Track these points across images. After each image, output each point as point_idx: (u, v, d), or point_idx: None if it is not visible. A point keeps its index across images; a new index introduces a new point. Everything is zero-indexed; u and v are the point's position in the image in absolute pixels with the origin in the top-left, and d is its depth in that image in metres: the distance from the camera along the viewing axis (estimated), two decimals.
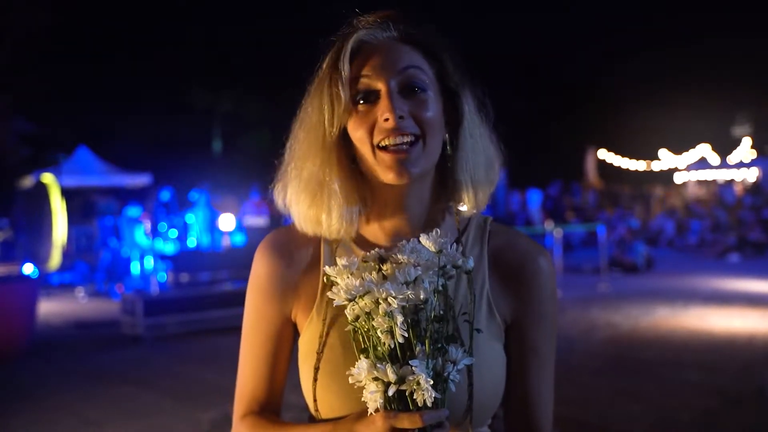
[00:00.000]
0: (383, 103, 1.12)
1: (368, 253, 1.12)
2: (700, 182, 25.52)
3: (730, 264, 15.20)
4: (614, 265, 13.55)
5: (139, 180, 18.10)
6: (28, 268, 8.13)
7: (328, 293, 1.09)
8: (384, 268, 1.08)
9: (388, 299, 1.01)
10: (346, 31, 1.18)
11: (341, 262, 1.08)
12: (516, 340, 1.21)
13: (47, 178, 11.02)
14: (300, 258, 1.25)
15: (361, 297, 1.04)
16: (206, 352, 7.42)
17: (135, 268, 11.96)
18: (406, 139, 1.12)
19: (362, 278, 1.05)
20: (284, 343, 1.25)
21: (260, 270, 1.25)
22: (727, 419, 4.98)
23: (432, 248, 1.06)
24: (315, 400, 1.16)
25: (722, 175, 24.81)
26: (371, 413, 1.03)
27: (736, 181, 23.83)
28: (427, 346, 1.02)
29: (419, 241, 1.08)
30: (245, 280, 1.30)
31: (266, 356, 1.25)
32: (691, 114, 26.98)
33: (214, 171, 21.38)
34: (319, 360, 1.16)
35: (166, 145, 23.14)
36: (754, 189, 21.99)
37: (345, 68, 1.14)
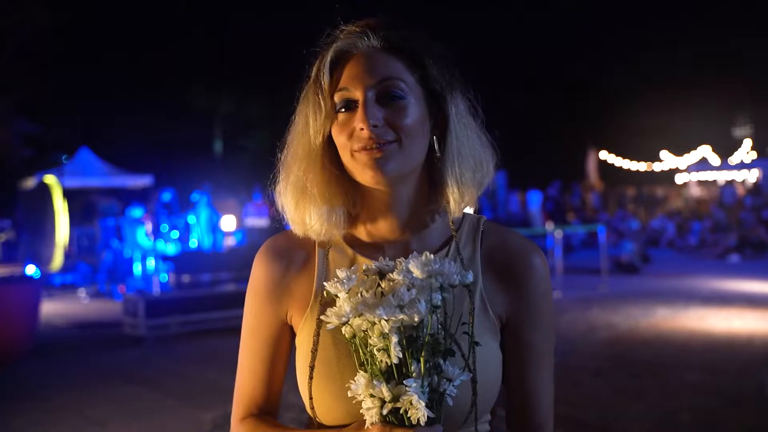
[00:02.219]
0: (359, 113, 1.15)
1: (369, 267, 1.14)
2: (701, 183, 25.56)
3: (730, 265, 15.21)
4: (614, 267, 13.57)
5: (141, 181, 18.14)
6: (31, 269, 8.17)
7: (322, 317, 1.11)
8: (382, 285, 1.08)
9: (381, 323, 1.02)
10: (327, 41, 1.21)
11: (340, 274, 1.10)
12: (512, 338, 1.23)
13: (49, 179, 11.04)
14: (296, 261, 1.28)
15: (356, 316, 1.05)
16: (208, 352, 7.44)
17: (137, 269, 11.99)
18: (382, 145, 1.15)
19: (359, 295, 1.06)
20: (282, 346, 1.28)
21: (258, 275, 1.29)
22: (726, 419, 5.00)
23: (420, 275, 1.05)
24: (311, 398, 1.18)
25: (723, 176, 24.85)
26: (368, 426, 1.06)
27: (736, 182, 23.87)
28: (422, 364, 1.03)
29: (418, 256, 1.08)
30: (246, 281, 1.33)
31: (265, 359, 1.28)
32: (692, 115, 27.00)
33: (215, 172, 21.41)
34: (313, 359, 1.18)
35: (167, 146, 23.16)
36: (755, 190, 22.00)
37: (325, 79, 1.18)
